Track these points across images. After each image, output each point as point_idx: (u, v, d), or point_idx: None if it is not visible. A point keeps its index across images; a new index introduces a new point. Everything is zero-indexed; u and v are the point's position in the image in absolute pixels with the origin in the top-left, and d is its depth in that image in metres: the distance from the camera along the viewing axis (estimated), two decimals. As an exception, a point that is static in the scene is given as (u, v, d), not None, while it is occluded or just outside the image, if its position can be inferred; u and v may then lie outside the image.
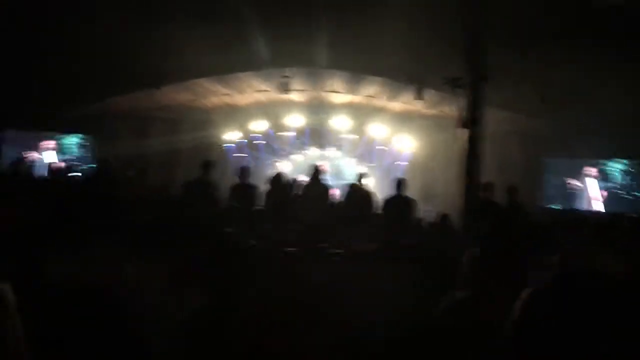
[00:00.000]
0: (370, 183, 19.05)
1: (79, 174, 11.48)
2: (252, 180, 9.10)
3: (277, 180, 8.35)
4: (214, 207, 8.00)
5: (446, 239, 7.81)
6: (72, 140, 17.51)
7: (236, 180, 8.39)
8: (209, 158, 10.73)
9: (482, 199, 8.36)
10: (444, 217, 8.33)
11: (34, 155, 16.64)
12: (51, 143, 17.15)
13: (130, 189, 7.95)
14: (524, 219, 8.21)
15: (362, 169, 19.87)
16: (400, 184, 8.55)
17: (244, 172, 8.23)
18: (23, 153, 16.01)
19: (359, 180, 8.99)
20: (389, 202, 8.77)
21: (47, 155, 16.98)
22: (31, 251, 3.33)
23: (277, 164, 20.00)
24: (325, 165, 19.79)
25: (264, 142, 19.80)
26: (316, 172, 8.51)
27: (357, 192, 8.68)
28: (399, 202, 8.38)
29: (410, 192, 17.35)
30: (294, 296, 3.70)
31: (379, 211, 8.77)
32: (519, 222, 7.98)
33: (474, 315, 2.52)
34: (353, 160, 20.06)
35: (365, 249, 7.64)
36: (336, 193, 19.33)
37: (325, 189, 8.66)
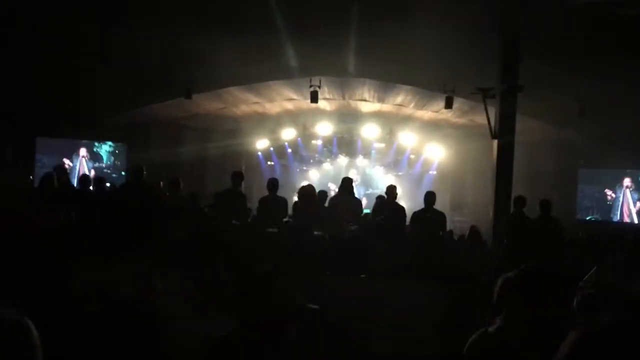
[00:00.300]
0: (399, 192, 18.99)
1: (109, 185, 11.57)
2: (281, 191, 9.09)
3: (306, 192, 8.26)
4: (243, 219, 7.99)
5: (477, 256, 7.64)
6: (105, 148, 17.79)
7: (265, 192, 8.35)
8: (238, 169, 10.78)
9: (514, 214, 8.10)
10: (475, 234, 8.16)
11: (67, 162, 16.98)
12: (83, 150, 17.43)
13: (162, 200, 7.99)
14: (557, 235, 7.96)
15: (391, 178, 19.82)
16: (429, 197, 8.25)
17: (272, 184, 8.16)
18: (63, 160, 16.40)
19: (388, 193, 8.72)
20: (417, 216, 8.54)
21: (80, 162, 17.29)
22: (58, 265, 3.36)
23: (306, 171, 20.07)
24: (354, 175, 19.91)
25: (293, 150, 19.90)
26: (346, 185, 8.36)
27: (386, 206, 8.48)
28: (428, 217, 8.11)
29: (440, 201, 17.24)
30: (312, 319, 3.64)
31: (408, 225, 8.58)
32: (553, 239, 7.75)
33: (507, 355, 2.33)
34: (382, 169, 19.99)
35: (393, 267, 7.56)
36: (363, 202, 19.37)
37: (355, 202, 8.48)
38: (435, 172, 19.49)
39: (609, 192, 17.37)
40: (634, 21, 8.63)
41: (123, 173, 17.60)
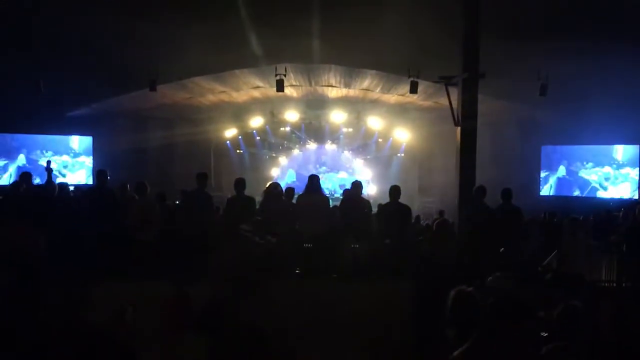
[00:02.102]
0: (367, 176, 19.26)
1: (72, 188, 11.40)
2: (250, 180, 9.11)
3: (272, 191, 8.27)
4: (210, 219, 7.95)
5: (444, 250, 7.75)
6: (71, 141, 17.56)
7: (232, 193, 8.31)
8: (204, 165, 10.64)
9: (475, 205, 8.09)
10: (443, 225, 8.22)
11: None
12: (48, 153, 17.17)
13: (129, 204, 7.95)
14: (518, 224, 8.02)
15: (359, 161, 20.02)
16: (394, 191, 8.22)
17: (239, 184, 8.13)
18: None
19: (354, 189, 8.59)
20: (383, 210, 8.56)
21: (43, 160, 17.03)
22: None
23: (275, 158, 20.12)
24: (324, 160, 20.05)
25: (262, 137, 19.91)
26: (313, 183, 8.31)
27: (352, 202, 8.44)
28: (393, 210, 8.12)
29: (408, 183, 17.58)
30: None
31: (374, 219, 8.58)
32: (514, 228, 7.84)
33: None
34: (350, 153, 20.17)
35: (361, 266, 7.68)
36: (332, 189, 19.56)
37: (322, 199, 8.42)
38: (403, 155, 19.74)
39: (570, 167, 17.86)
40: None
41: (90, 166, 17.43)
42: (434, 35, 10.42)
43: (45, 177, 9.36)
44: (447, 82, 9.18)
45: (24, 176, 8.95)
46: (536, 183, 18.03)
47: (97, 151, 17.36)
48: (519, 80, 12.27)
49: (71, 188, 11.43)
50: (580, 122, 15.34)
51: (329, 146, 20.10)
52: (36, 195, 8.24)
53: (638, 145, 16.88)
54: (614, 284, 7.86)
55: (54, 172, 11.08)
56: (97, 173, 8.16)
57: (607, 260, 8.03)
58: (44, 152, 17.04)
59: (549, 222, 10.17)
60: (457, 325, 3.24)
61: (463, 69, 8.86)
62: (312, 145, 20.12)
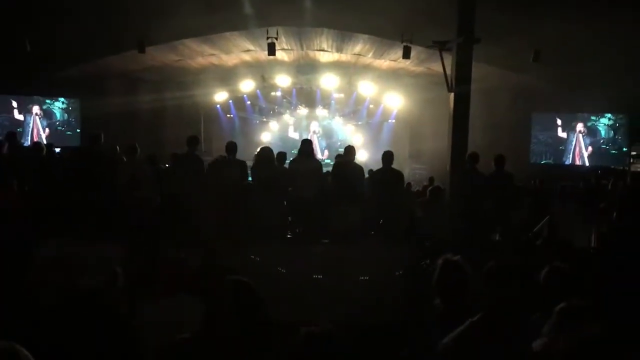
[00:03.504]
0: (358, 141, 19.18)
1: (58, 150, 11.21)
2: (241, 144, 9.02)
3: (264, 155, 8.14)
4: (202, 183, 7.89)
5: (436, 216, 7.78)
6: (58, 105, 17.28)
7: (223, 155, 8.19)
8: (195, 128, 10.46)
9: (468, 171, 8.08)
10: (436, 193, 8.21)
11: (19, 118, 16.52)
12: (36, 108, 16.91)
13: (120, 167, 7.85)
14: (511, 191, 8.06)
15: (350, 127, 19.93)
16: (386, 157, 8.15)
17: (230, 147, 8.02)
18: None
19: (347, 154, 8.48)
20: (375, 177, 8.51)
21: (33, 120, 16.80)
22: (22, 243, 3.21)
23: (265, 123, 19.98)
24: (315, 127, 19.91)
25: (252, 102, 19.73)
26: (305, 147, 8.22)
27: (345, 167, 8.36)
28: (386, 178, 8.08)
29: (400, 150, 17.52)
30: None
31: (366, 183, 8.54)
32: (507, 195, 7.88)
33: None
34: (341, 119, 20.06)
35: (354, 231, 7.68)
36: (325, 154, 19.50)
37: (315, 165, 8.33)
38: (394, 121, 19.68)
39: (561, 135, 17.89)
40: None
41: (78, 130, 17.21)
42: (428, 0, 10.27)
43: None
44: (441, 47, 9.06)
45: (8, 135, 8.84)
46: (527, 150, 18.07)
47: (84, 113, 17.11)
48: (512, 46, 12.17)
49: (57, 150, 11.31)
50: (573, 89, 15.32)
51: (320, 112, 19.96)
52: (23, 156, 8.14)
53: (627, 114, 16.92)
54: (602, 251, 7.95)
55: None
56: (91, 136, 8.02)
57: (596, 228, 8.10)
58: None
59: (539, 189, 10.23)
60: (443, 293, 3.25)
61: (458, 34, 8.74)
62: (302, 111, 19.97)
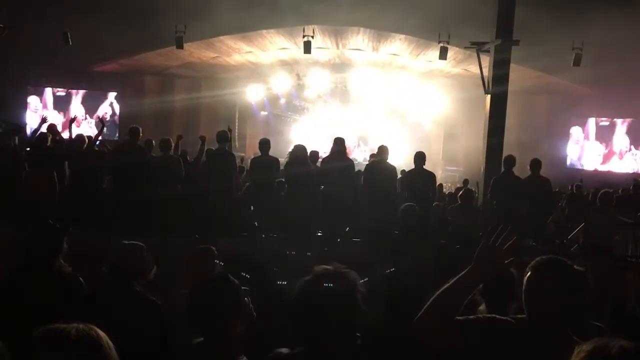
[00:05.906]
0: (392, 141, 18.98)
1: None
2: (275, 141, 9.05)
3: (297, 153, 8.11)
4: (235, 180, 7.98)
5: (468, 217, 7.68)
6: (97, 97, 17.68)
7: (257, 153, 8.26)
8: (230, 120, 10.55)
9: (504, 174, 7.92)
10: (468, 195, 8.10)
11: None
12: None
13: (154, 161, 8.02)
14: (547, 195, 7.92)
15: (385, 128, 19.82)
16: (418, 158, 8.05)
17: (264, 145, 8.04)
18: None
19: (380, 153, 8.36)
20: (407, 178, 8.42)
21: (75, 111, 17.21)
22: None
23: (299, 121, 20.01)
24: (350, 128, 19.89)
25: (286, 99, 19.79)
26: (338, 145, 8.17)
27: (378, 166, 8.28)
28: (417, 179, 7.97)
29: (434, 151, 17.38)
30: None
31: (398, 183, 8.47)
32: (543, 199, 7.74)
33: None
34: (376, 119, 19.95)
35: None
36: (358, 153, 19.43)
37: (348, 163, 8.27)
38: (428, 122, 19.50)
39: (599, 140, 17.54)
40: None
41: (117, 122, 17.56)
42: (466, 0, 10.19)
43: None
44: (479, 48, 8.96)
45: (50, 128, 9.07)
46: (564, 154, 17.76)
47: (122, 108, 17.44)
48: (552, 48, 11.97)
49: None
50: (614, 92, 14.99)
51: (354, 111, 19.89)
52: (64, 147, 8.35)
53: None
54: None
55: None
56: (131, 130, 8.15)
57: (634, 236, 7.90)
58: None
59: (575, 195, 10.04)
60: (487, 296, 3.19)
61: (496, 36, 8.64)
62: (336, 109, 19.94)
